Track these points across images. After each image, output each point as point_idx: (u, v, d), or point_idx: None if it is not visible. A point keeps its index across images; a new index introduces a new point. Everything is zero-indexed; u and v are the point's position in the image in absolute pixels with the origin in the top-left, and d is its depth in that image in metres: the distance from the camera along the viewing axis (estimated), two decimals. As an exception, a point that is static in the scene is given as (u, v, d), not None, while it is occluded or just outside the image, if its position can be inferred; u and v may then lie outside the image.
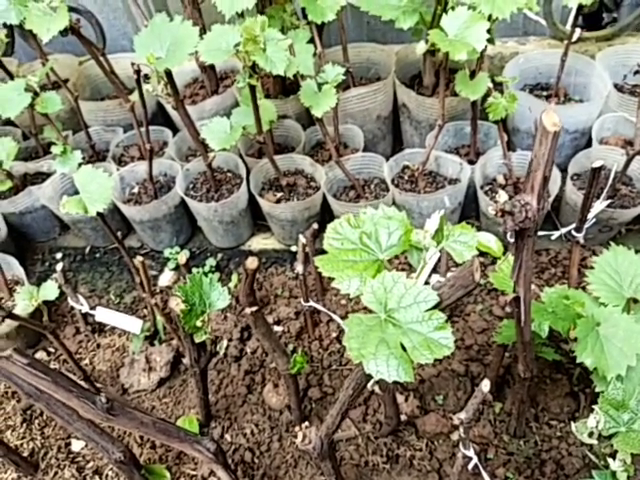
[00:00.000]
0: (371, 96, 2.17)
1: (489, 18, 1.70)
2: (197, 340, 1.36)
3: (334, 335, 1.91)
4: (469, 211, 2.13)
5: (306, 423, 1.32)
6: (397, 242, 0.97)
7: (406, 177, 2.10)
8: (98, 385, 1.90)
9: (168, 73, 1.78)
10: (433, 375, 1.78)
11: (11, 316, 1.43)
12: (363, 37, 2.64)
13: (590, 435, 1.05)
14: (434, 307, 0.88)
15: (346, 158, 2.11)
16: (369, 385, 1.65)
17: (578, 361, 1.16)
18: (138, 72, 1.71)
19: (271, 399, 1.78)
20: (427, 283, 1.83)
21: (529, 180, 0.98)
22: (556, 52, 2.18)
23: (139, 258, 1.58)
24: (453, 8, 1.68)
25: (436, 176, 2.10)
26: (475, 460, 1.31)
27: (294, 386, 1.52)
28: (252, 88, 1.74)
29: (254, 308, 1.29)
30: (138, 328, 1.87)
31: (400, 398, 1.75)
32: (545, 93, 2.23)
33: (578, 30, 2.31)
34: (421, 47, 1.71)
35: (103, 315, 1.87)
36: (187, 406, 1.83)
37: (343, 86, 2.20)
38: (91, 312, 1.88)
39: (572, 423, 1.07)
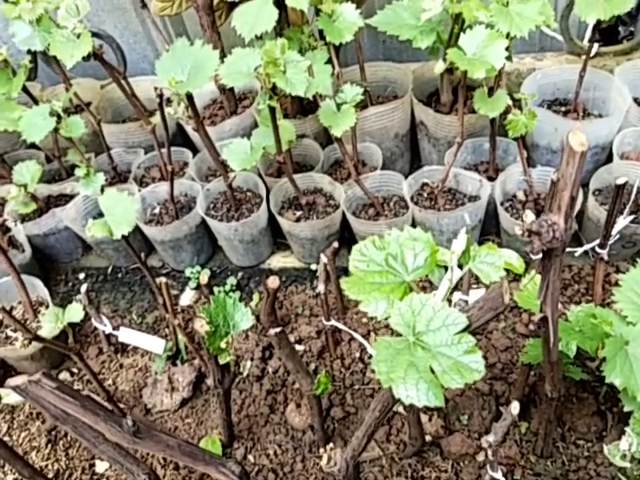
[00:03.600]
0: (389, 114, 2.18)
1: (507, 36, 1.71)
2: (221, 362, 1.36)
3: (356, 354, 1.90)
4: (489, 228, 2.12)
5: (331, 445, 1.31)
6: (423, 263, 0.96)
7: (425, 194, 2.09)
8: (122, 406, 1.90)
9: (189, 96, 1.81)
10: (457, 394, 1.77)
11: (37, 339, 1.45)
12: (379, 55, 2.65)
13: (623, 457, 1.03)
14: (463, 330, 0.87)
15: (365, 176, 2.12)
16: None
17: (607, 381, 1.15)
18: (161, 96, 1.74)
19: (294, 419, 1.78)
20: (449, 301, 1.83)
21: (556, 200, 0.98)
22: (573, 67, 2.17)
23: (162, 279, 1.60)
24: (471, 27, 1.69)
25: (455, 193, 2.09)
26: (503, 482, 1.30)
27: (317, 407, 1.52)
28: (272, 109, 1.76)
29: (278, 329, 1.29)
30: (161, 348, 1.88)
31: (424, 418, 1.74)
32: (564, 109, 2.22)
33: (596, 45, 2.31)
34: (440, 66, 1.72)
35: (126, 336, 1.88)
36: (209, 426, 1.83)
37: (361, 105, 2.22)
38: (114, 332, 1.90)
39: (604, 446, 1.05)
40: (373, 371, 1.98)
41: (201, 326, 1.30)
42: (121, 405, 1.91)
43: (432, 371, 0.86)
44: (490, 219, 2.07)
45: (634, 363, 1.15)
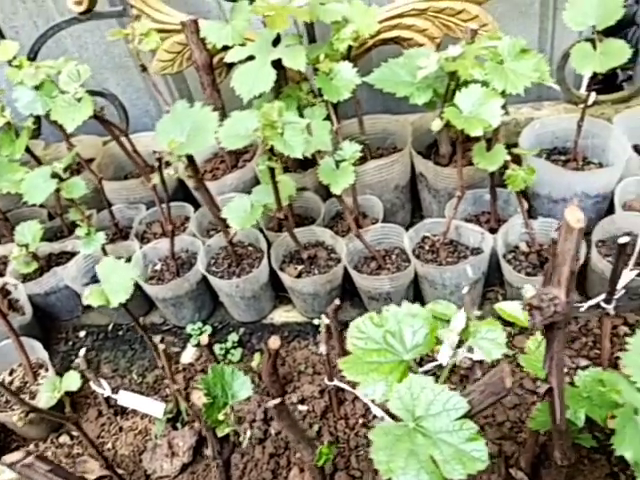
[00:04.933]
0: (389, 167, 2.18)
1: (502, 93, 1.72)
2: (220, 434, 1.33)
3: (360, 414, 1.86)
4: (493, 279, 2.10)
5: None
6: (422, 341, 0.94)
7: (427, 247, 2.08)
8: (121, 472, 1.86)
9: (189, 157, 1.82)
10: (465, 456, 1.71)
11: (34, 410, 1.42)
12: (378, 107, 2.67)
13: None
14: (464, 415, 0.84)
15: (366, 229, 2.11)
16: None
17: (617, 454, 1.10)
18: (160, 160, 1.75)
19: (297, 484, 1.72)
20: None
21: (556, 274, 0.96)
22: (572, 116, 2.18)
23: (161, 346, 1.58)
24: (467, 83, 1.71)
25: (457, 245, 2.08)
26: None
27: (320, 477, 1.47)
28: (271, 169, 1.76)
29: (277, 401, 1.26)
30: (161, 412, 1.84)
31: (431, 481, 1.68)
32: (563, 158, 2.22)
33: (593, 94, 2.33)
34: (437, 124, 1.73)
35: (125, 399, 1.85)
36: (211, 492, 1.78)
37: (358, 159, 2.23)
38: (113, 396, 1.86)
39: None
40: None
41: (199, 398, 1.28)
42: (120, 471, 1.87)
43: (433, 460, 0.82)
44: (493, 271, 2.04)
45: (646, 434, 1.11)
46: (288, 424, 1.31)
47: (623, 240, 1.39)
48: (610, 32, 2.51)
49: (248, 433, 1.80)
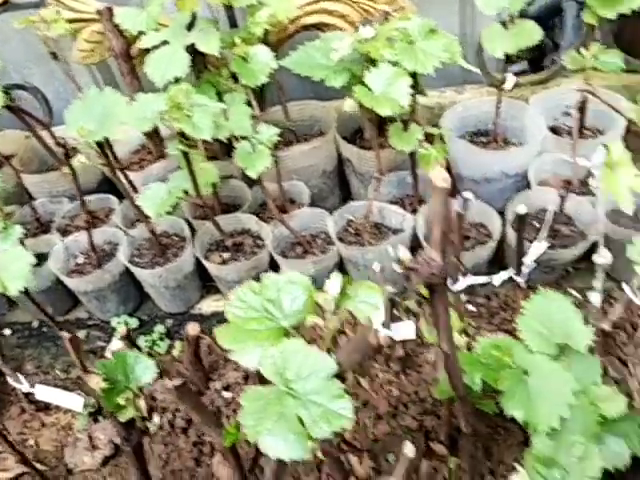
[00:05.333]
0: (314, 152, 2.19)
1: (414, 74, 1.74)
2: (122, 419, 1.30)
3: (284, 398, 1.85)
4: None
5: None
6: (301, 307, 0.94)
7: (351, 230, 2.09)
8: (42, 467, 1.81)
9: (100, 144, 1.79)
10: (386, 433, 1.73)
11: None
12: (308, 94, 2.68)
13: (520, 495, 1.00)
14: (334, 375, 0.84)
15: (291, 215, 2.11)
16: None
17: (507, 414, 1.13)
18: (64, 146, 1.71)
19: (220, 471, 1.71)
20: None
21: (430, 236, 0.97)
22: (492, 99, 2.21)
23: (65, 335, 1.53)
24: (375, 64, 1.72)
25: (381, 228, 2.09)
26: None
27: (234, 459, 1.45)
28: (185, 153, 1.74)
29: (177, 382, 1.24)
30: (80, 405, 1.79)
31: (354, 460, 1.69)
32: (484, 139, 2.26)
33: (512, 77, 2.38)
34: (349, 104, 1.74)
35: (43, 393, 1.79)
36: (134, 484, 1.75)
37: (285, 143, 2.23)
38: (31, 390, 1.81)
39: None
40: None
41: (96, 383, 1.24)
42: (42, 467, 1.81)
43: (301, 421, 0.82)
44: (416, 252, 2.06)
45: (535, 395, 1.13)
46: (192, 406, 1.29)
47: (521, 211, 1.42)
48: (538, 20, 2.58)
49: (157, 419, 1.77)
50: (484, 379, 1.21)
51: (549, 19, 2.75)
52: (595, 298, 1.39)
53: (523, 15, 2.49)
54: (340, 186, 2.39)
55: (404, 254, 0.95)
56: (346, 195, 2.41)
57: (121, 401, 1.25)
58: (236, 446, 1.47)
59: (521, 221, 1.43)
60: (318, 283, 1.02)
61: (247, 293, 0.96)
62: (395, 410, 1.79)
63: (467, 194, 1.51)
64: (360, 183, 2.27)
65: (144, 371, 1.31)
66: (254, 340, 0.91)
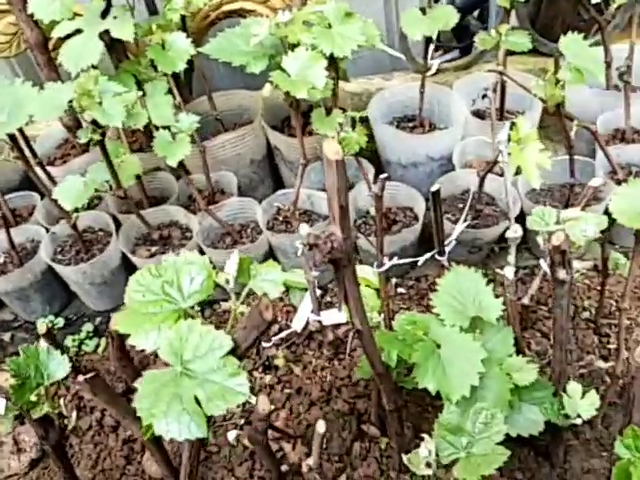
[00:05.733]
0: (240, 141, 2.16)
1: (332, 57, 1.74)
2: (35, 416, 1.25)
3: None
4: (348, 245, 2.13)
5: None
6: (200, 288, 0.92)
7: (281, 218, 2.08)
8: (-38, 477, 1.73)
9: (13, 137, 1.72)
10: (319, 417, 1.72)
11: None
12: (239, 84, 2.65)
13: (428, 465, 1.02)
14: (229, 353, 0.83)
15: (220, 205, 2.08)
16: (230, 437, 1.58)
17: (420, 386, 1.14)
18: (-32, 138, 1.63)
19: (150, 467, 1.67)
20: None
21: (330, 212, 0.97)
22: (417, 85, 2.25)
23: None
24: (293, 48, 1.71)
25: (311, 215, 2.09)
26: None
27: (159, 452, 1.42)
28: (101, 143, 1.69)
29: (90, 375, 1.20)
30: (1, 408, 1.72)
31: (287, 447, 1.69)
32: (411, 124, 2.29)
33: (436, 62, 2.42)
34: (267, 89, 1.72)
35: (-40, 399, 1.71)
36: (62, 487, 1.69)
37: (213, 133, 2.20)
38: (-53, 397, 1.72)
39: (403, 456, 1.03)
40: (238, 406, 1.91)
41: (5, 380, 1.19)
42: (-38, 477, 1.74)
43: (197, 401, 0.81)
44: (347, 237, 2.07)
45: (447, 366, 1.15)
46: (106, 399, 1.25)
47: (435, 187, 1.44)
48: (466, 10, 2.63)
49: (73, 416, 1.73)
50: (400, 355, 1.22)
51: (476, 6, 2.81)
52: (509, 272, 1.42)
53: (451, 3, 2.56)
54: (271, 175, 2.38)
55: (304, 231, 0.94)
56: (278, 184, 2.40)
57: (33, 398, 1.20)
58: (162, 440, 1.45)
59: (435, 199, 1.45)
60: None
61: (146, 276, 0.94)
62: (328, 395, 1.79)
63: (383, 175, 1.52)
64: (290, 171, 2.26)
65: (57, 367, 1.27)
66: (151, 323, 0.89)
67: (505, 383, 1.24)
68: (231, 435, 1.41)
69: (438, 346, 1.18)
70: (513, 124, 1.44)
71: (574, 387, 1.28)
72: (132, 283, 0.95)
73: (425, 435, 1.03)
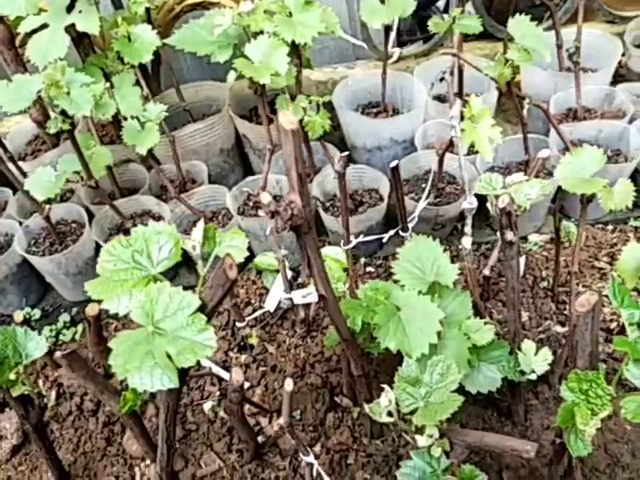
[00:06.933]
0: (209, 130, 2.21)
1: (294, 44, 1.80)
2: (14, 394, 1.29)
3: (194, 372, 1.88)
4: (320, 228, 2.19)
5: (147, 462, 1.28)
6: (168, 255, 0.98)
7: (251, 204, 2.14)
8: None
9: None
10: (293, 392, 1.79)
11: None
12: (206, 76, 2.70)
13: (390, 414, 1.09)
14: (198, 310, 0.89)
15: (191, 193, 2.13)
16: (206, 408, 1.64)
17: (382, 347, 1.21)
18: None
19: (131, 447, 1.72)
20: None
21: (289, 180, 1.04)
22: (380, 72, 2.32)
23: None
24: (256, 37, 1.77)
25: (280, 199, 2.15)
26: (316, 465, 1.32)
27: (138, 428, 1.47)
28: (70, 133, 1.73)
29: (67, 351, 1.25)
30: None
31: (264, 421, 1.75)
32: (375, 110, 2.36)
33: (397, 50, 2.49)
34: (231, 76, 1.78)
35: (-61, 390, 1.74)
36: (44, 470, 1.73)
37: (182, 124, 2.25)
38: None
39: (365, 405, 1.10)
40: (213, 384, 1.95)
41: (-17, 360, 1.23)
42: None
43: (169, 356, 0.87)
44: (317, 220, 2.14)
45: (406, 326, 1.23)
46: (84, 375, 1.30)
47: (393, 164, 1.51)
48: (428, 2, 2.72)
49: (52, 394, 1.76)
50: (364, 320, 1.29)
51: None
52: (466, 242, 1.50)
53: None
54: (241, 163, 2.43)
55: (265, 199, 1.01)
56: (248, 172, 2.46)
57: (12, 376, 1.25)
58: (139, 414, 1.50)
59: (394, 175, 1.53)
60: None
61: (116, 246, 0.99)
62: (302, 371, 1.86)
63: (344, 153, 1.59)
64: (259, 159, 2.32)
65: (35, 347, 1.31)
66: (123, 289, 0.94)
67: (464, 343, 1.32)
68: (207, 406, 1.47)
69: (398, 309, 1.25)
70: (466, 102, 1.52)
71: (528, 345, 1.36)
72: (103, 254, 1.00)
73: (385, 385, 1.10)
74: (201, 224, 0.99)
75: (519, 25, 1.66)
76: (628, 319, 1.05)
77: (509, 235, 1.19)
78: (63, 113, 1.64)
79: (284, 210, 1.02)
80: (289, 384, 1.10)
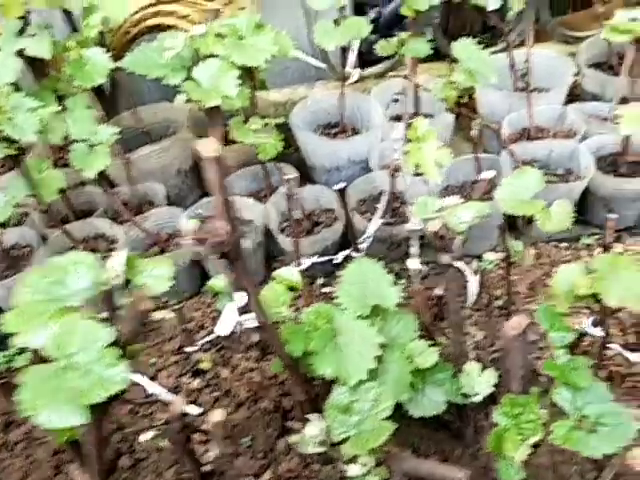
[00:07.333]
0: (165, 152, 2.21)
1: (250, 69, 1.81)
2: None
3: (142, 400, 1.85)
4: (276, 250, 2.18)
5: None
6: (88, 285, 0.96)
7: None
8: None
9: None
10: (246, 417, 1.77)
11: None
12: (168, 97, 2.69)
13: (322, 444, 1.07)
14: (111, 344, 0.87)
15: (147, 215, 2.11)
16: (142, 439, 1.60)
17: (318, 373, 1.20)
18: None
19: (77, 477, 1.67)
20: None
21: (215, 206, 1.03)
22: (338, 93, 2.33)
23: None
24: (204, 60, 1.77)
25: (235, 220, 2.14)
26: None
27: (80, 457, 1.43)
28: (16, 158, 1.71)
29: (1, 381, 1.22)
30: None
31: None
32: (334, 130, 2.37)
33: (356, 70, 2.51)
34: (180, 99, 1.77)
35: None
36: (-12, 503, 1.68)
37: (139, 145, 2.24)
38: None
39: (289, 438, 1.09)
40: (165, 411, 1.90)
41: None
42: None
43: (79, 391, 0.84)
44: (275, 242, 2.13)
45: (344, 351, 1.21)
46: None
47: (338, 186, 1.51)
48: (390, 25, 2.75)
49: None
50: (304, 345, 1.27)
51: (398, 23, 2.92)
52: (413, 264, 1.50)
53: (377, 19, 2.69)
54: (200, 185, 2.42)
55: (187, 226, 0.99)
56: (207, 193, 2.44)
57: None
58: (79, 443, 1.46)
59: (341, 196, 1.53)
60: (176, 279, 1.04)
61: (33, 278, 0.97)
62: (255, 395, 1.83)
63: (290, 175, 1.60)
64: (218, 180, 2.30)
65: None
66: (39, 321, 0.92)
67: (406, 366, 1.30)
68: (144, 437, 1.44)
69: (338, 333, 1.24)
70: (409, 124, 1.53)
71: (471, 366, 1.35)
72: (19, 285, 0.98)
73: (314, 415, 1.08)
74: (123, 254, 0.97)
75: (464, 48, 1.68)
76: (558, 342, 1.04)
77: (444, 258, 1.19)
78: (7, 139, 1.62)
79: (210, 237, 1.01)
80: (217, 415, 1.08)
